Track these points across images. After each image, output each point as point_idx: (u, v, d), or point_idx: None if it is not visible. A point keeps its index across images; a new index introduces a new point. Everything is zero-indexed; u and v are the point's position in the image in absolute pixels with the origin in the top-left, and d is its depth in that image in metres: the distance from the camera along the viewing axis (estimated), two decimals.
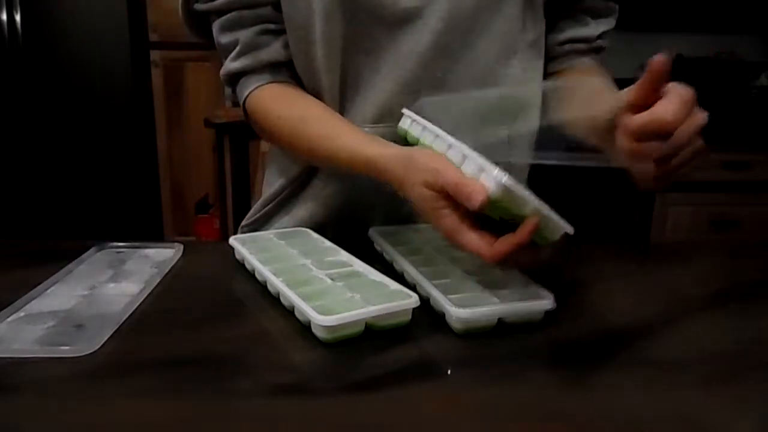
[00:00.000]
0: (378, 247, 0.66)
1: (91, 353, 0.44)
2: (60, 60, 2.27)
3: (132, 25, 2.28)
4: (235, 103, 0.82)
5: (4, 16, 2.17)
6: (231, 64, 0.71)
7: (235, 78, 0.72)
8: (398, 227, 0.69)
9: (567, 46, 0.77)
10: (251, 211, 0.83)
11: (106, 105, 2.33)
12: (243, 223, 0.83)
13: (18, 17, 2.19)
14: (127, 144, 2.39)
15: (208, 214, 2.59)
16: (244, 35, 0.69)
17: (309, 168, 0.75)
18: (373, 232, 0.67)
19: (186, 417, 0.37)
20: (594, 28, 0.77)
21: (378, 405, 0.38)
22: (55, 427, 0.36)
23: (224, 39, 0.70)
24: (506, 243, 0.46)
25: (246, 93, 0.71)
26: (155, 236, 2.52)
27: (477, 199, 0.45)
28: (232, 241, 0.64)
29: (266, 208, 0.80)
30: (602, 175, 2.25)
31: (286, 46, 0.71)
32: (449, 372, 0.43)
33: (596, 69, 0.78)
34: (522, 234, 0.46)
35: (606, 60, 0.80)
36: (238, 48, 0.70)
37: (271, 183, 0.81)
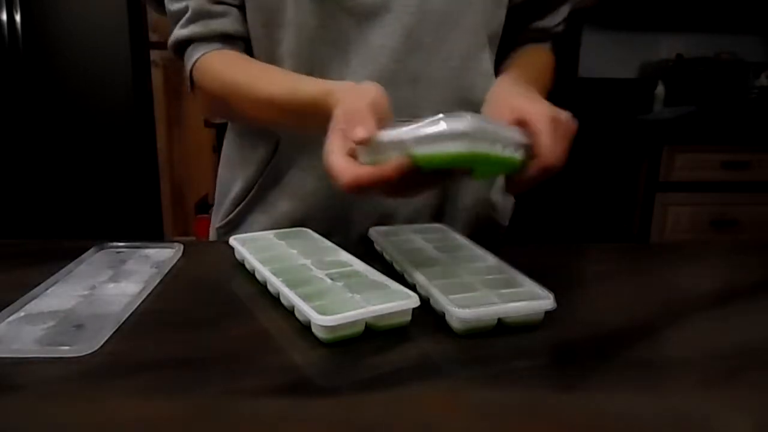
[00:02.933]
0: (378, 247, 0.66)
1: (91, 353, 0.44)
2: (60, 60, 2.27)
3: (132, 25, 2.28)
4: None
5: (4, 16, 2.17)
6: (180, 31, 0.69)
7: (183, 45, 0.70)
8: (398, 227, 0.69)
9: (525, 35, 0.80)
10: (221, 213, 0.81)
11: (106, 105, 2.33)
12: (217, 225, 0.82)
13: (18, 17, 2.19)
14: (127, 144, 2.39)
15: (208, 214, 2.59)
16: (194, 2, 0.67)
17: (277, 163, 0.74)
18: (373, 232, 0.67)
19: (186, 417, 0.37)
20: (551, 20, 0.80)
21: (378, 405, 0.38)
22: (55, 427, 0.36)
23: (174, 6, 0.69)
24: (368, 174, 0.46)
25: (194, 59, 0.69)
26: (155, 236, 2.52)
27: (359, 135, 0.47)
28: (232, 241, 0.64)
29: (239, 207, 0.78)
30: (603, 176, 2.25)
31: (240, 21, 0.69)
32: (449, 372, 0.43)
33: (541, 51, 0.80)
34: (388, 171, 0.46)
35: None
36: (188, 15, 0.68)
37: (232, 178, 0.79)
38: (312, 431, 0.36)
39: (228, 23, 0.68)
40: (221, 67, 0.68)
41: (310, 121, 0.57)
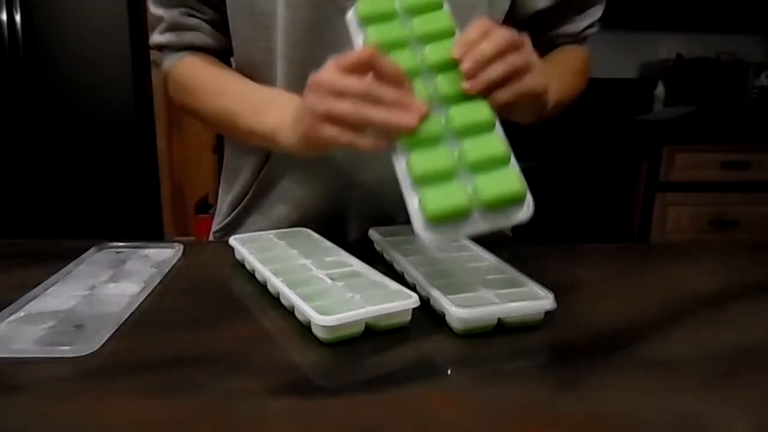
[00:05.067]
0: (378, 247, 0.66)
1: (91, 353, 0.44)
2: (60, 60, 2.27)
3: (132, 25, 2.28)
4: None
5: (4, 16, 2.17)
6: (156, 37, 0.75)
7: (158, 49, 0.76)
8: (398, 227, 0.69)
9: (553, 41, 0.78)
10: (219, 217, 0.82)
11: (106, 105, 2.33)
12: (214, 228, 0.82)
13: (18, 17, 2.19)
14: (127, 144, 2.38)
15: (208, 214, 2.59)
16: (169, 14, 0.73)
17: (272, 167, 0.74)
18: (374, 232, 0.67)
19: (186, 417, 0.37)
20: (578, 24, 0.78)
21: (378, 405, 0.38)
22: (55, 427, 0.36)
23: (153, 10, 0.74)
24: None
25: (167, 64, 0.75)
26: (155, 236, 2.52)
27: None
28: (232, 241, 0.64)
29: (235, 212, 0.79)
30: (602, 176, 2.25)
31: (211, 34, 0.73)
32: (449, 372, 0.43)
33: (570, 48, 0.79)
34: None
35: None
36: (163, 24, 0.73)
37: (230, 184, 0.80)
38: (312, 431, 0.36)
39: (198, 37, 0.73)
40: (196, 67, 0.73)
41: (268, 106, 0.62)
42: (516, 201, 0.46)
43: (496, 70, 0.48)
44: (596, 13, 0.78)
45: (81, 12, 2.24)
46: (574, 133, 2.17)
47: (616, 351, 0.46)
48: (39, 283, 0.55)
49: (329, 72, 0.49)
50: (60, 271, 0.59)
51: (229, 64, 0.75)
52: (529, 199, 0.46)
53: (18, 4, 2.18)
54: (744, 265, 0.68)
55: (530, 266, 0.54)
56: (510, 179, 0.46)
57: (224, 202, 0.81)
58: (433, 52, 0.51)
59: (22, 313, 0.50)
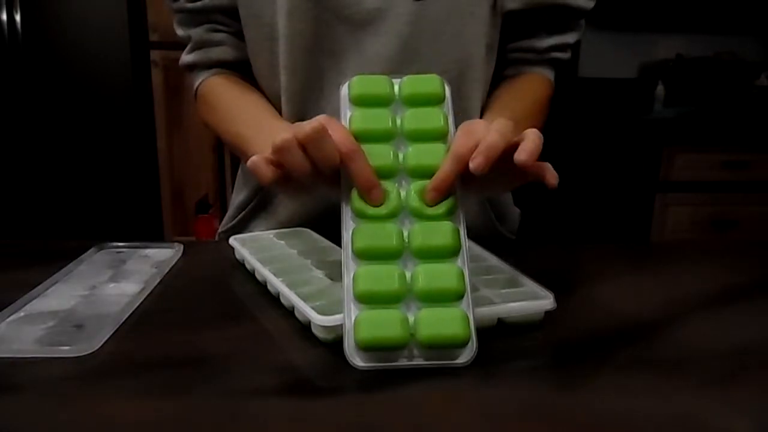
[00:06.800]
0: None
1: (91, 353, 0.44)
2: (60, 60, 2.27)
3: (132, 25, 2.28)
4: None
5: (4, 16, 2.17)
6: (185, 57, 0.77)
7: (189, 69, 0.78)
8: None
9: (516, 54, 0.77)
10: (226, 219, 0.83)
11: (106, 105, 2.33)
12: (219, 230, 0.84)
13: (18, 17, 2.19)
14: (127, 144, 2.38)
15: (208, 214, 2.59)
16: (195, 32, 0.74)
17: None
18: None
19: (186, 417, 0.37)
20: (543, 41, 0.76)
21: (378, 405, 0.38)
22: (55, 427, 0.36)
23: (179, 32, 0.76)
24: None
25: (197, 83, 0.77)
26: (155, 236, 2.52)
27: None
28: (232, 241, 0.64)
29: (241, 214, 0.80)
30: (602, 176, 2.25)
31: (236, 47, 0.74)
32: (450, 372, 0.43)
33: (533, 83, 0.77)
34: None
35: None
36: (190, 44, 0.75)
37: (240, 188, 0.81)
38: (312, 431, 0.36)
39: (225, 52, 0.75)
40: (219, 89, 0.75)
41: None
42: (456, 345, 0.42)
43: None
44: (568, 37, 0.77)
45: (81, 12, 2.24)
46: (574, 134, 2.17)
47: (617, 351, 0.46)
48: (39, 283, 0.55)
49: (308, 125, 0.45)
50: (60, 271, 0.59)
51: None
52: (473, 342, 0.42)
53: (18, 4, 2.18)
54: (744, 265, 0.68)
55: (530, 266, 0.54)
56: (454, 320, 0.42)
57: (233, 205, 0.82)
58: (415, 156, 0.48)
59: (22, 313, 0.50)
